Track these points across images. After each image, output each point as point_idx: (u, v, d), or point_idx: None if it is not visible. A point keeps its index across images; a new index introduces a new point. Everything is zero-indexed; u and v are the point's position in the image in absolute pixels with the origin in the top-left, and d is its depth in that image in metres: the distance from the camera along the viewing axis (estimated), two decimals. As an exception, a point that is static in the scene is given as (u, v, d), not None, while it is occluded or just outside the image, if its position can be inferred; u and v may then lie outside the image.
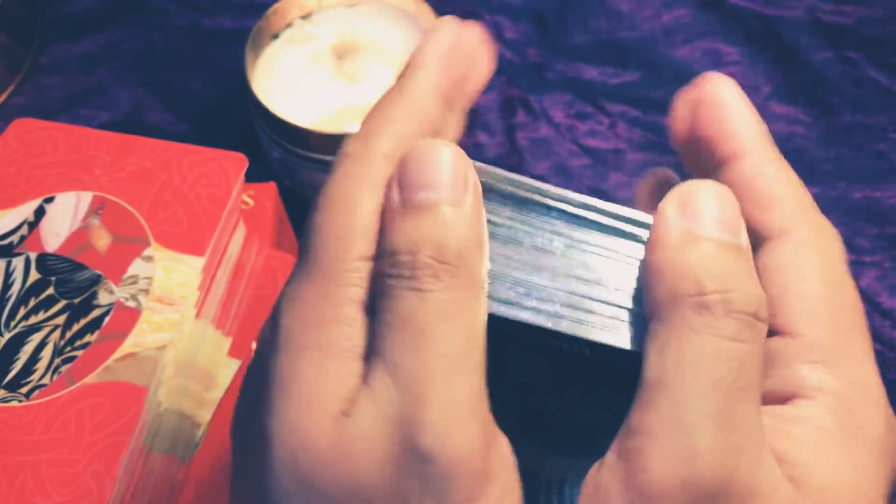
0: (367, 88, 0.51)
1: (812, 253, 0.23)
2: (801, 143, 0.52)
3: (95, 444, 0.31)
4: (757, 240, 0.23)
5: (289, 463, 0.20)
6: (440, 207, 0.21)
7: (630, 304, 0.22)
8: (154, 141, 0.39)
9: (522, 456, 0.21)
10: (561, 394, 0.24)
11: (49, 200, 0.37)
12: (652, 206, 0.24)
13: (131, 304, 0.34)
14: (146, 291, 0.35)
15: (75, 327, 0.34)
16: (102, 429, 0.32)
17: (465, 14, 0.57)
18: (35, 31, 0.57)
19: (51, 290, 0.35)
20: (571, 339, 0.21)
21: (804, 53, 0.55)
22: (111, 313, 0.34)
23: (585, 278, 0.22)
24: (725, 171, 0.24)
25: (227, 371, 0.38)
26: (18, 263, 0.36)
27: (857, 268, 0.47)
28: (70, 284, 0.35)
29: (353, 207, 0.23)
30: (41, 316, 0.35)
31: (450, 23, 0.25)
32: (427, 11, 0.47)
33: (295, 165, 0.46)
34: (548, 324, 0.21)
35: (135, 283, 0.35)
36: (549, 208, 0.22)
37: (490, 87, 0.54)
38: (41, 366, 0.33)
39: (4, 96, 0.54)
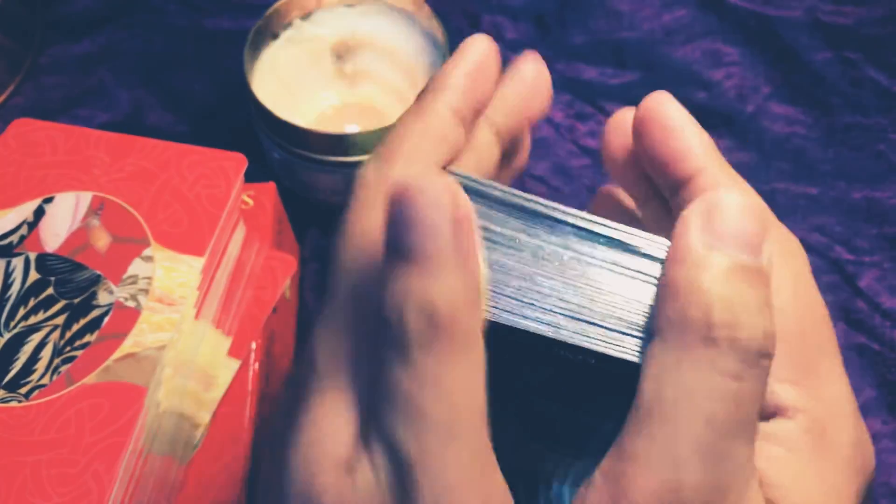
0: (366, 88, 0.51)
1: (780, 271, 0.23)
2: (800, 143, 0.52)
3: (95, 444, 0.31)
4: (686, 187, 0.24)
5: (301, 493, 0.20)
6: (430, 260, 0.19)
7: (633, 317, 0.21)
8: (154, 141, 0.39)
9: (522, 455, 0.21)
10: (562, 397, 0.24)
11: (49, 200, 0.37)
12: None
13: (131, 304, 0.34)
14: (146, 291, 0.35)
15: (75, 327, 0.34)
16: (102, 429, 0.32)
17: (466, 14, 0.57)
18: (35, 32, 0.57)
19: (50, 291, 0.35)
20: (573, 348, 0.21)
21: (804, 54, 0.55)
22: (111, 313, 0.34)
23: (589, 289, 0.22)
24: (683, 192, 0.24)
25: (226, 371, 0.38)
26: (18, 263, 0.36)
27: (856, 268, 0.47)
28: (70, 284, 0.35)
29: (366, 241, 0.22)
30: (41, 316, 0.35)
31: (477, 42, 0.25)
32: (427, 11, 0.47)
33: (295, 165, 0.46)
34: (549, 333, 0.21)
35: (134, 283, 0.35)
36: (557, 220, 0.22)
37: (490, 87, 0.54)
38: (41, 366, 0.33)
39: (4, 96, 0.54)
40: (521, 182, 0.50)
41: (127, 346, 0.33)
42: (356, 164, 0.44)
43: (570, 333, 0.21)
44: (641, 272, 0.22)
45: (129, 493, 0.32)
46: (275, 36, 0.48)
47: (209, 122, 0.53)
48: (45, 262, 0.36)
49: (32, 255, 0.36)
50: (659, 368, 0.20)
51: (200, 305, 0.36)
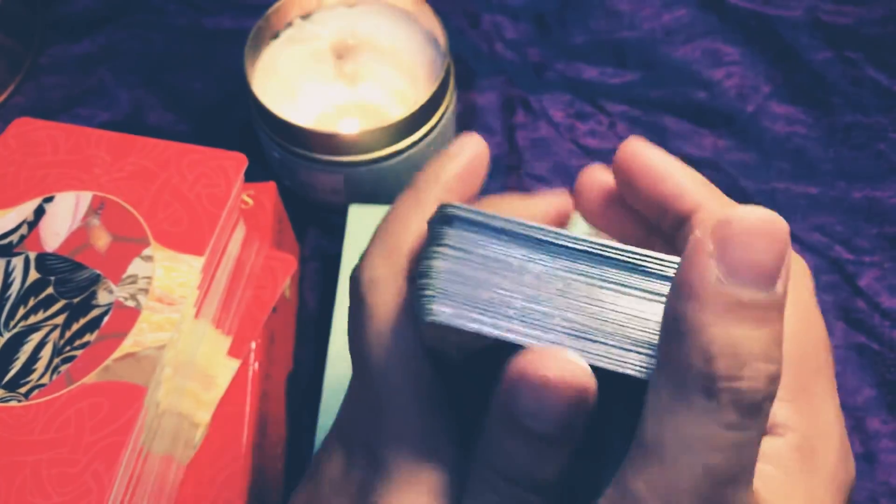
0: (366, 88, 0.51)
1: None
2: (800, 143, 0.52)
3: (95, 443, 0.31)
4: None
5: None
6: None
7: (639, 335, 0.21)
8: (154, 141, 0.39)
9: None
10: None
11: (49, 200, 0.37)
12: (602, 214, 0.25)
13: (131, 303, 0.34)
14: (146, 291, 0.35)
15: (75, 327, 0.34)
16: (102, 428, 0.32)
17: (466, 14, 0.57)
18: (35, 31, 0.57)
19: (50, 290, 0.35)
20: None
21: (804, 53, 0.55)
22: (110, 313, 0.34)
23: (594, 308, 0.21)
24: (685, 228, 0.24)
25: (226, 371, 0.38)
26: (18, 263, 0.36)
27: (857, 268, 0.47)
28: (69, 284, 0.35)
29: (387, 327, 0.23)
30: (40, 315, 0.35)
31: (470, 142, 0.26)
32: (427, 11, 0.47)
33: (295, 165, 0.46)
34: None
35: (134, 282, 0.35)
36: (560, 246, 0.22)
37: (490, 87, 0.54)
38: (40, 365, 0.33)
39: (4, 96, 0.54)
40: (521, 182, 0.50)
41: (127, 346, 0.33)
42: (356, 164, 0.45)
43: (574, 351, 0.21)
44: (650, 292, 0.22)
45: (129, 493, 0.32)
46: (275, 35, 0.48)
47: (209, 122, 0.53)
48: (45, 261, 0.36)
49: (32, 255, 0.36)
50: (661, 408, 0.19)
51: (200, 305, 0.36)
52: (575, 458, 0.21)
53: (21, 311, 0.35)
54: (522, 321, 0.21)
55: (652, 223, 0.26)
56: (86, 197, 0.37)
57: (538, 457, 0.20)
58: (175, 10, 0.58)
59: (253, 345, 0.39)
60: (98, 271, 0.35)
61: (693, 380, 0.19)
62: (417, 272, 0.22)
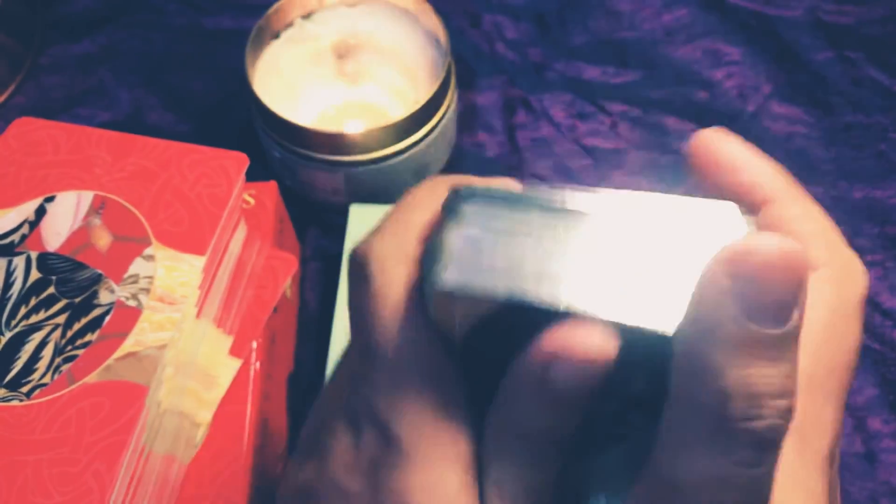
0: (367, 88, 0.51)
1: (828, 290, 0.22)
2: (801, 142, 0.52)
3: (96, 443, 0.31)
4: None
5: None
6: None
7: (662, 289, 0.20)
8: (155, 140, 0.39)
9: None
10: None
11: (50, 200, 0.37)
12: (708, 180, 0.24)
13: (132, 303, 0.34)
14: (147, 290, 0.35)
15: (76, 326, 0.34)
16: (103, 428, 0.32)
17: (466, 14, 0.57)
18: (35, 32, 0.57)
19: (51, 290, 0.35)
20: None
21: (805, 53, 0.55)
22: (112, 312, 0.34)
23: (612, 265, 0.21)
24: (758, 218, 0.24)
25: (227, 370, 0.38)
26: (19, 263, 0.36)
27: (857, 267, 0.47)
28: (71, 284, 0.35)
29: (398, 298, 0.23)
30: (42, 315, 0.35)
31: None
32: (428, 11, 0.47)
33: (295, 165, 0.46)
34: (572, 306, 0.20)
35: (135, 282, 0.35)
36: (575, 212, 0.21)
37: (491, 86, 0.54)
38: (42, 365, 0.33)
39: (5, 96, 0.54)
40: (521, 181, 0.50)
41: (128, 346, 0.33)
42: (357, 164, 0.45)
43: (595, 306, 0.20)
44: (674, 240, 0.20)
45: (130, 492, 0.32)
46: (276, 35, 0.48)
47: (210, 122, 0.53)
48: (47, 261, 0.36)
49: (34, 255, 0.36)
50: (675, 443, 0.19)
51: (201, 305, 0.36)
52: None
53: (22, 311, 0.35)
54: (537, 281, 0.20)
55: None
56: (87, 197, 0.37)
57: (560, 417, 0.21)
58: (175, 10, 0.58)
59: (254, 344, 0.39)
60: (99, 271, 0.35)
61: (708, 419, 0.18)
62: (429, 246, 0.22)
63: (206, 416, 0.37)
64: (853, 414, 0.43)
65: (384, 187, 0.46)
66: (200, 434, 0.36)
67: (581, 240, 0.21)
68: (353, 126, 0.49)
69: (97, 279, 0.35)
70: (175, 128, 0.53)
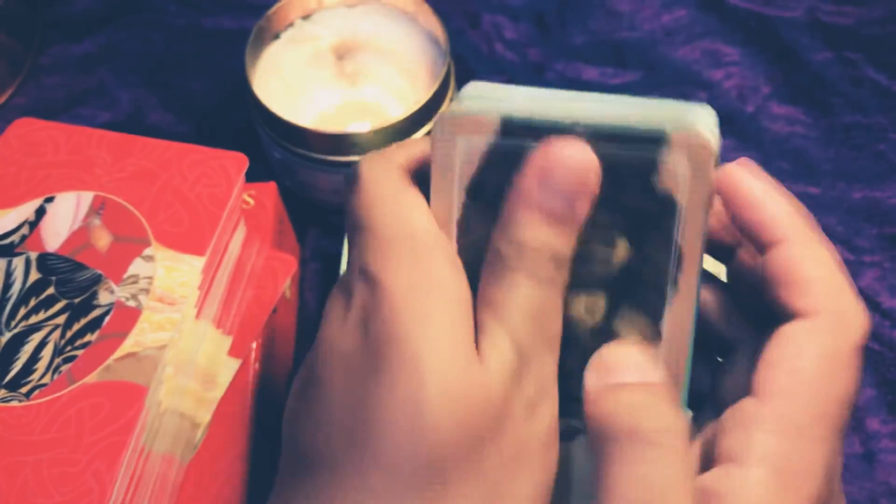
0: (367, 88, 0.51)
1: (822, 337, 0.24)
2: (800, 143, 0.52)
3: (96, 443, 0.31)
4: (790, 317, 0.25)
5: (440, 390, 0.23)
6: (572, 225, 0.25)
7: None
8: (155, 141, 0.39)
9: None
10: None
11: (50, 200, 0.37)
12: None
13: (132, 303, 0.35)
14: (147, 291, 0.35)
15: (76, 327, 0.34)
16: (103, 428, 0.32)
17: (466, 14, 0.57)
18: (35, 32, 0.57)
19: (51, 290, 0.35)
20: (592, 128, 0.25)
21: (804, 54, 0.55)
22: (111, 313, 0.34)
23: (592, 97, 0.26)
24: (768, 255, 0.25)
25: (227, 371, 0.38)
26: (19, 263, 0.36)
27: (856, 268, 0.47)
28: (70, 284, 0.35)
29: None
30: (41, 315, 0.35)
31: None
32: (427, 12, 0.47)
33: (295, 165, 0.46)
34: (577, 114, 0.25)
35: (135, 282, 0.35)
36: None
37: (490, 87, 0.54)
38: (41, 365, 0.33)
39: (5, 96, 0.54)
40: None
41: (128, 346, 0.33)
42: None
43: (593, 114, 0.25)
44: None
45: (130, 493, 0.32)
46: (276, 36, 0.48)
47: (210, 122, 0.53)
48: (46, 261, 0.36)
49: (33, 255, 0.36)
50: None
51: (201, 305, 0.36)
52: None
53: (22, 311, 0.35)
54: (529, 103, 0.25)
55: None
56: (87, 197, 0.37)
57: (554, 233, 0.25)
58: (175, 11, 0.58)
59: (254, 345, 0.39)
60: (99, 271, 0.35)
61: (632, 442, 0.23)
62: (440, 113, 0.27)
63: (205, 416, 0.37)
64: (852, 414, 0.43)
65: (384, 188, 0.46)
66: (200, 434, 0.37)
67: (564, 93, 0.27)
68: (352, 126, 0.49)
69: (97, 279, 0.35)
70: (175, 128, 0.53)
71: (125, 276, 0.35)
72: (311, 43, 0.49)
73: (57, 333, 0.34)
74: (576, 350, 0.27)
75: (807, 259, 0.25)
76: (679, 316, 0.26)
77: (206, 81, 0.55)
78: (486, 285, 0.25)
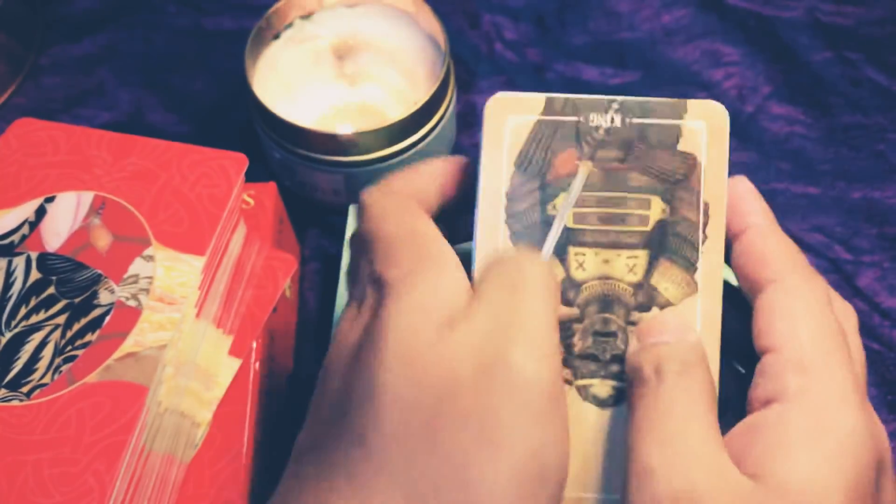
0: (366, 88, 0.51)
1: (798, 293, 0.27)
2: (800, 143, 0.52)
3: (96, 443, 0.31)
4: (757, 289, 0.28)
5: (400, 356, 0.24)
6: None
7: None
8: (155, 141, 0.39)
9: None
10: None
11: (50, 200, 0.37)
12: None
13: (132, 303, 0.35)
14: (147, 291, 0.35)
15: (76, 327, 0.34)
16: (103, 428, 0.32)
17: (466, 14, 0.57)
18: (35, 32, 0.57)
19: (51, 290, 0.35)
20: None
21: (803, 54, 0.55)
22: (112, 313, 0.34)
23: None
24: (739, 239, 0.29)
25: (227, 370, 0.38)
26: (19, 263, 0.36)
27: (856, 268, 0.47)
28: (71, 284, 0.35)
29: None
30: (42, 315, 0.35)
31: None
32: (427, 12, 0.47)
33: (295, 165, 0.46)
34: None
35: (135, 282, 0.35)
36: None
37: (490, 87, 0.54)
38: (42, 365, 0.33)
39: (5, 96, 0.54)
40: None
41: (128, 346, 0.34)
42: (356, 164, 0.45)
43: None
44: None
45: (130, 492, 0.32)
46: (276, 36, 0.48)
47: (210, 122, 0.53)
48: (47, 261, 0.36)
49: (34, 255, 0.36)
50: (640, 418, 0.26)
51: (201, 305, 0.36)
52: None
53: (22, 311, 0.35)
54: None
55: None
56: (87, 197, 0.37)
57: None
58: (175, 11, 0.58)
59: (254, 344, 0.39)
60: (99, 271, 0.35)
61: (664, 371, 0.26)
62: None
63: (205, 415, 0.37)
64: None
65: (384, 188, 0.46)
66: (200, 434, 0.37)
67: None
68: (352, 127, 0.50)
69: (97, 279, 0.35)
70: (175, 128, 0.53)
71: (125, 275, 0.35)
72: (310, 43, 0.49)
73: (57, 333, 0.34)
74: (619, 307, 0.29)
75: (771, 241, 0.28)
76: (711, 266, 0.29)
77: (206, 81, 0.55)
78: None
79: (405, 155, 0.45)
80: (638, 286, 0.29)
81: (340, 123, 0.50)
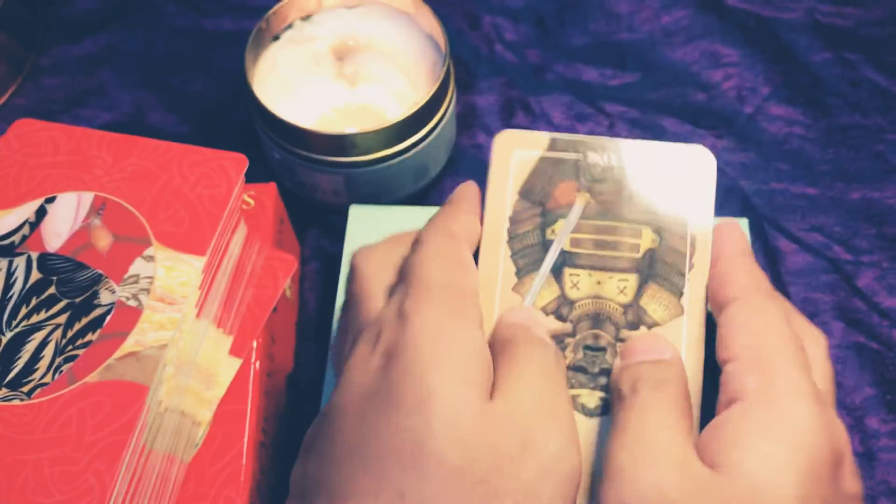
0: (366, 89, 0.51)
1: (757, 309, 0.29)
2: (799, 143, 0.52)
3: (96, 442, 0.31)
4: (721, 308, 0.30)
5: (448, 424, 0.26)
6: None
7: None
8: (155, 141, 0.39)
9: None
10: None
11: (50, 200, 0.37)
12: None
13: (132, 303, 0.35)
14: (147, 291, 0.35)
15: (77, 326, 0.34)
16: (103, 427, 0.32)
17: (466, 15, 0.57)
18: (36, 32, 0.57)
19: (52, 290, 0.35)
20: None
21: (803, 55, 0.55)
22: (112, 312, 0.34)
23: None
24: (714, 266, 0.31)
25: (227, 370, 0.38)
26: (20, 263, 0.36)
27: (855, 268, 0.47)
28: (71, 284, 0.35)
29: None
30: (42, 315, 0.35)
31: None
32: (427, 13, 0.47)
33: (295, 166, 0.46)
34: None
35: (136, 282, 0.35)
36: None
37: (490, 88, 0.54)
38: (43, 365, 0.33)
39: (6, 97, 0.55)
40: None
41: (128, 345, 0.34)
42: (356, 165, 0.45)
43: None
44: None
45: (131, 491, 0.32)
46: (275, 37, 0.48)
47: (210, 123, 0.53)
48: (47, 261, 0.36)
49: (34, 255, 0.36)
50: (621, 432, 0.28)
51: (202, 305, 0.36)
52: None
53: (23, 311, 0.35)
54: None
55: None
56: (87, 197, 0.37)
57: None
58: (176, 12, 0.58)
59: (254, 344, 0.39)
60: (100, 271, 0.35)
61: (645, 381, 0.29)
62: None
63: (206, 415, 0.37)
64: (851, 413, 0.43)
65: (384, 188, 0.46)
66: (201, 433, 0.37)
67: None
68: (352, 127, 0.50)
69: (97, 279, 0.35)
70: (175, 129, 0.53)
71: (126, 275, 0.35)
72: (310, 44, 0.49)
73: (58, 333, 0.34)
74: (610, 325, 0.31)
75: (736, 266, 0.31)
76: (696, 291, 0.31)
77: (206, 82, 0.55)
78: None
79: (405, 155, 0.45)
80: (628, 306, 0.31)
81: (340, 124, 0.50)
